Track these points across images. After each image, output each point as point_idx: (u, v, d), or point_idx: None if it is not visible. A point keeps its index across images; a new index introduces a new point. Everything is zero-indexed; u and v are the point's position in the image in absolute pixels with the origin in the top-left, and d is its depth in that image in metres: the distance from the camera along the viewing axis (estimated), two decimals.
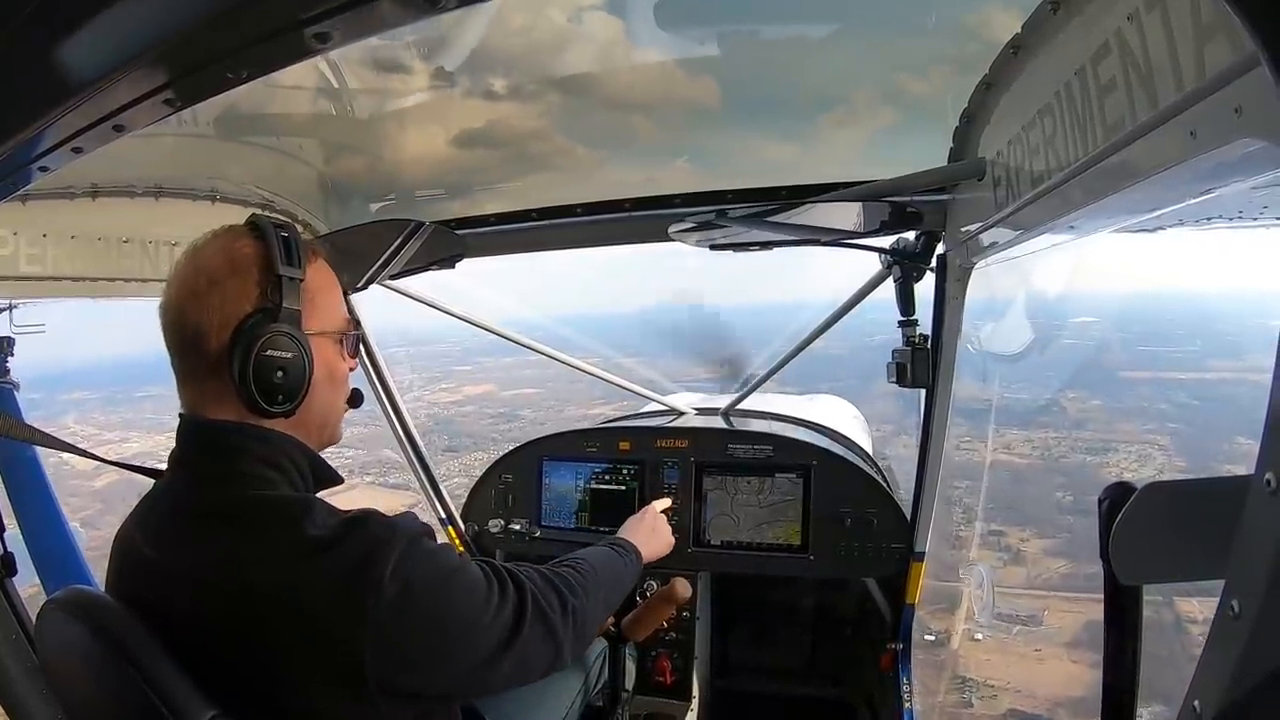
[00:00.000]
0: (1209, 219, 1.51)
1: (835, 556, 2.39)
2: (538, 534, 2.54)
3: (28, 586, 1.94)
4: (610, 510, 2.55)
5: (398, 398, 2.84)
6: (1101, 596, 0.81)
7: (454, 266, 2.38)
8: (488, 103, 2.01)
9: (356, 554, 0.99)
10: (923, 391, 2.18)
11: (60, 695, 1.20)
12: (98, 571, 2.61)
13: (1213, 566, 0.61)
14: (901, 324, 2.17)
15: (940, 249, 2.03)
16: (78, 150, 0.92)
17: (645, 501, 2.10)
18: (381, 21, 0.70)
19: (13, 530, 1.87)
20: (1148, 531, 0.72)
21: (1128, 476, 0.74)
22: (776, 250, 2.15)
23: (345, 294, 1.30)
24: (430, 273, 2.43)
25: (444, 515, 2.91)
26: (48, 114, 0.81)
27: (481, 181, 2.42)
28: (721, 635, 2.84)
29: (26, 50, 0.71)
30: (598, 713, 1.97)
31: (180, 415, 1.14)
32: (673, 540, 1.91)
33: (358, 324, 1.39)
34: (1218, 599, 0.59)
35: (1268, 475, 0.55)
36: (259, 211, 2.06)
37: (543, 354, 2.90)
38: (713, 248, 2.12)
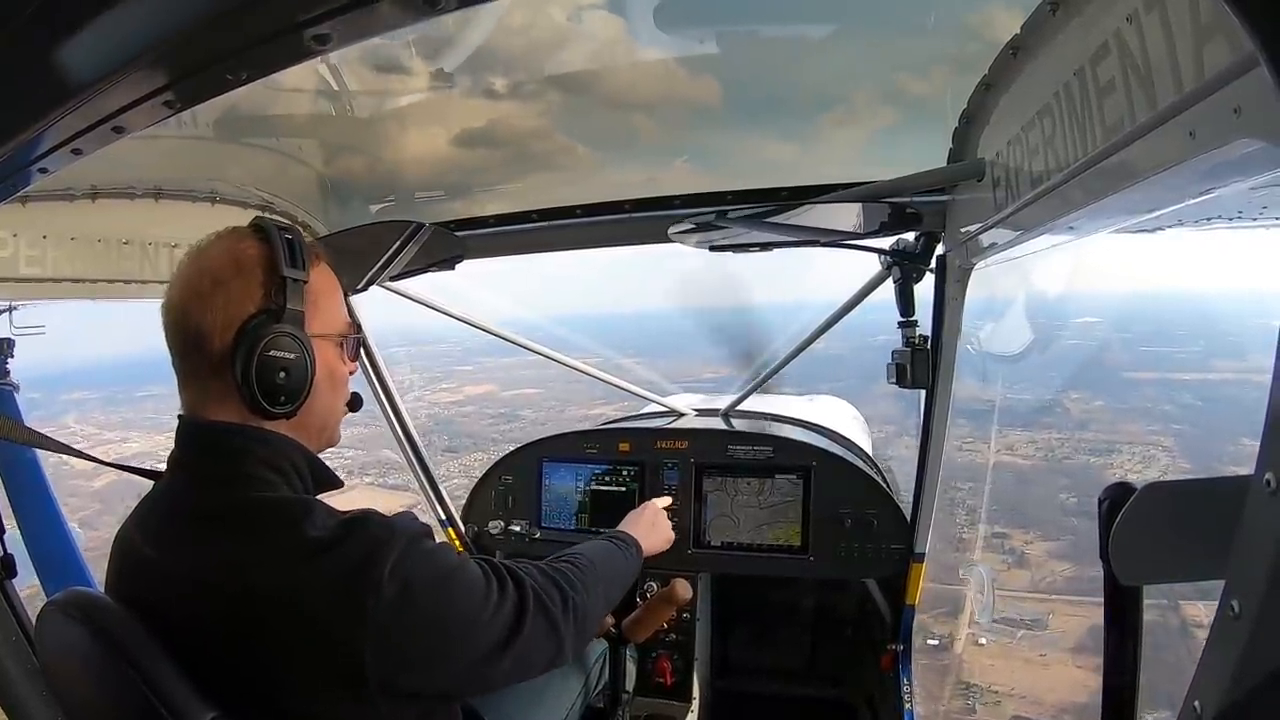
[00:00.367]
0: (1208, 219, 1.50)
1: (835, 557, 2.39)
2: (538, 535, 2.54)
3: (26, 588, 1.94)
4: (610, 511, 2.54)
5: (397, 399, 2.84)
6: None
7: (453, 268, 2.38)
8: (488, 102, 2.01)
9: (356, 555, 0.99)
10: (923, 392, 2.18)
11: (60, 697, 1.20)
12: (97, 572, 2.61)
13: (1213, 567, 0.61)
14: (901, 325, 2.17)
15: (940, 250, 2.03)
16: (77, 152, 0.92)
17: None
18: (381, 23, 0.70)
19: (12, 531, 1.87)
20: (1148, 532, 0.72)
21: (1132, 478, 0.74)
22: (777, 251, 2.15)
23: (345, 296, 1.30)
24: (429, 274, 2.43)
25: (444, 517, 2.91)
26: (47, 115, 0.81)
27: (481, 182, 2.42)
28: (722, 636, 2.84)
29: (26, 51, 0.71)
30: (598, 714, 1.97)
31: (180, 417, 1.14)
32: (672, 535, 1.90)
33: (358, 327, 1.39)
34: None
35: (1268, 475, 0.55)
36: (259, 213, 2.06)
37: (543, 356, 2.90)
38: (712, 249, 2.12)
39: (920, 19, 1.60)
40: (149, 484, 1.21)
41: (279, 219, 1.28)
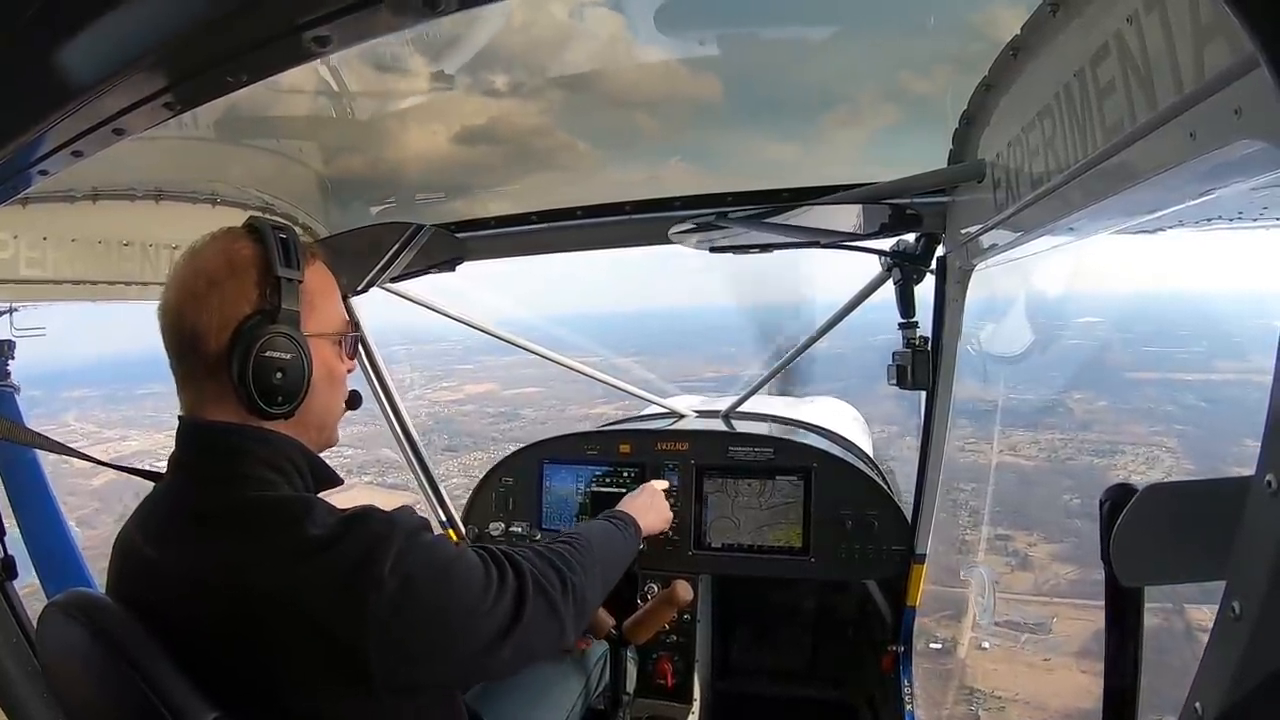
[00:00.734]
0: (1209, 220, 1.50)
1: (836, 558, 2.39)
2: (538, 536, 2.54)
3: (25, 588, 1.94)
4: None
5: (397, 398, 2.83)
6: None
7: (453, 269, 2.39)
8: (489, 100, 2.00)
9: (356, 552, 0.99)
10: (924, 393, 2.18)
11: (61, 698, 1.20)
12: (96, 571, 2.62)
13: (1213, 568, 0.61)
14: (902, 326, 2.17)
15: (940, 251, 2.02)
16: (78, 154, 0.92)
17: None
18: (381, 24, 0.69)
19: (12, 532, 1.87)
20: (1149, 533, 0.72)
21: (1136, 479, 0.74)
22: (778, 252, 2.15)
23: (344, 296, 1.30)
24: (429, 275, 2.43)
25: (444, 518, 2.91)
26: (48, 117, 0.81)
27: (482, 182, 2.42)
28: (722, 637, 2.84)
29: (27, 53, 0.71)
30: (599, 715, 1.97)
31: (180, 417, 1.14)
32: (670, 515, 1.86)
33: (356, 325, 1.39)
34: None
35: (1268, 476, 0.55)
36: (259, 214, 2.06)
37: (544, 357, 2.90)
38: (713, 249, 2.12)
39: (923, 18, 1.60)
40: (148, 483, 1.22)
41: (275, 218, 1.28)
